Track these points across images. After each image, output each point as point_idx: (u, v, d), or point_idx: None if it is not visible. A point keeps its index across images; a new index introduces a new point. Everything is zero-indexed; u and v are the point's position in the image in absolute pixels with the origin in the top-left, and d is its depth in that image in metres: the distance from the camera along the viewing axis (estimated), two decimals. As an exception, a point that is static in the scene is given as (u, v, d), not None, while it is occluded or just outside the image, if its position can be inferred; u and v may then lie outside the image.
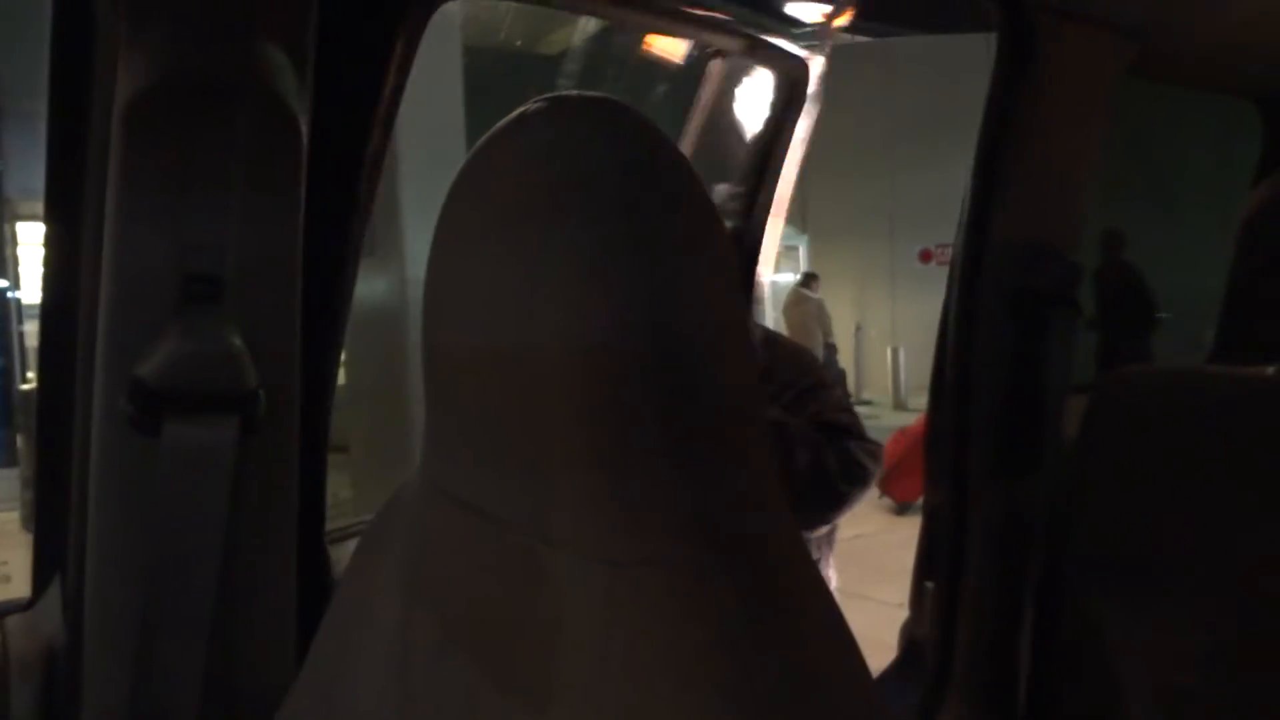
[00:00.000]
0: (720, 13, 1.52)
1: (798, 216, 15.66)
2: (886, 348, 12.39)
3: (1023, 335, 1.37)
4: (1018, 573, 1.35)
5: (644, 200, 0.51)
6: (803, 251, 14.93)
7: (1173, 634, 1.14)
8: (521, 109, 0.55)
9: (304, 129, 0.81)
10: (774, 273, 16.50)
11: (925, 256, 13.63)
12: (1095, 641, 1.24)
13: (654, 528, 0.49)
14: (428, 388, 0.58)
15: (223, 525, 0.78)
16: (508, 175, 0.53)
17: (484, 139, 0.56)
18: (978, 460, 1.38)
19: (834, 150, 15.46)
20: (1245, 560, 1.13)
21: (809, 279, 10.88)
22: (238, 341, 0.78)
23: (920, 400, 5.84)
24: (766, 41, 1.63)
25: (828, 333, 10.56)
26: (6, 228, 8.42)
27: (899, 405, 11.51)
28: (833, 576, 1.76)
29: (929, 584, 1.47)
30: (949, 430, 1.40)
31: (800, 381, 1.64)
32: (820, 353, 10.28)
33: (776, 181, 1.81)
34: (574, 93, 0.56)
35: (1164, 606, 1.19)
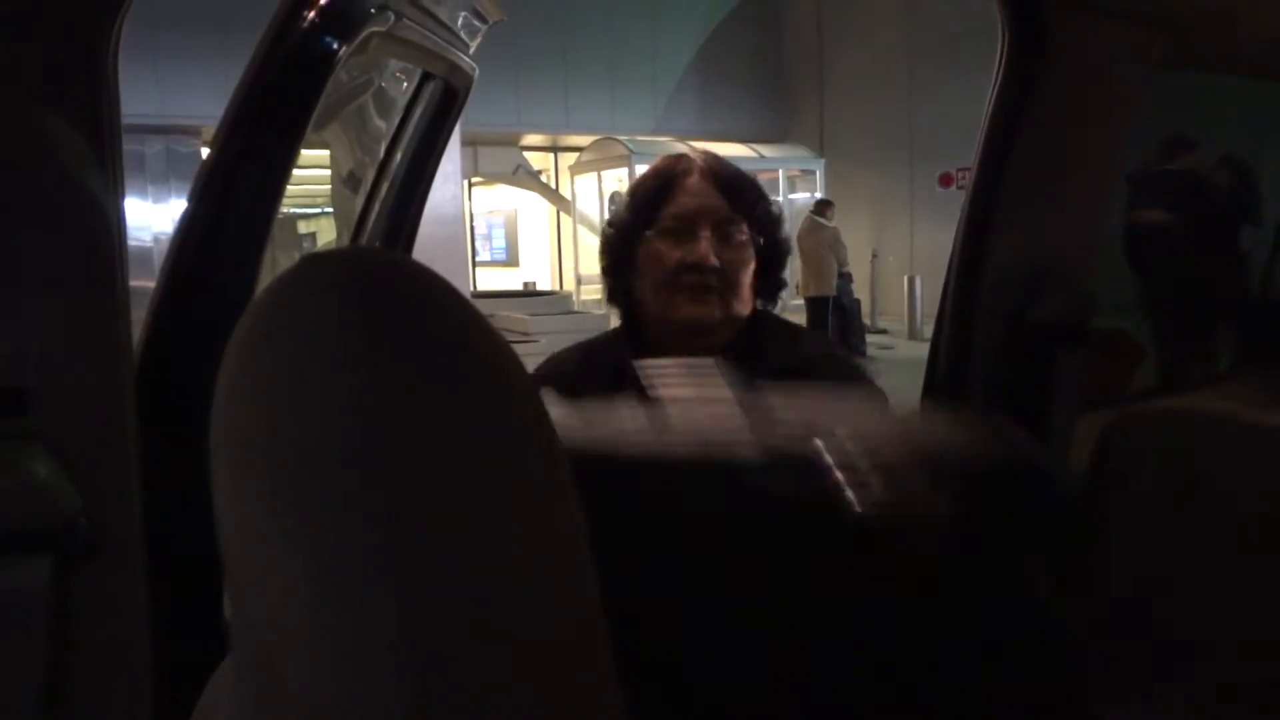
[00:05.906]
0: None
1: (815, 139, 15.24)
2: (904, 276, 12.09)
3: (1022, 373, 1.19)
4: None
5: None
6: (819, 176, 14.52)
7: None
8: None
9: (113, 214, 0.71)
10: (792, 193, 16.06)
11: (945, 181, 13.19)
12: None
13: None
14: None
15: (39, 677, 0.69)
16: None
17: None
18: None
19: (853, 71, 14.99)
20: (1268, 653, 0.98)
21: (823, 206, 10.55)
22: (42, 469, 0.68)
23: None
24: (435, 51, 1.49)
25: (843, 262, 10.27)
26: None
27: (914, 335, 11.29)
28: None
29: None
30: None
31: None
32: (834, 283, 10.05)
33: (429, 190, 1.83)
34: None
35: (1171, 702, 1.04)
